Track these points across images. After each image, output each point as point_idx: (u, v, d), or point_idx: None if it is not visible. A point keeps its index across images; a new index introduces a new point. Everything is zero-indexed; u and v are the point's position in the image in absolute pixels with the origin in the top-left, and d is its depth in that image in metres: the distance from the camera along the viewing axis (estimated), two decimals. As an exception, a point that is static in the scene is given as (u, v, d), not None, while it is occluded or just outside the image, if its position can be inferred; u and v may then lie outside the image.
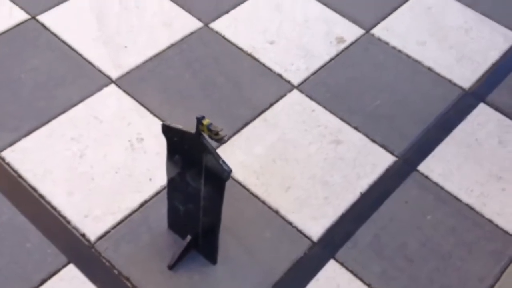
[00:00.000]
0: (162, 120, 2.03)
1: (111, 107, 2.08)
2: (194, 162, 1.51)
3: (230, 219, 1.75)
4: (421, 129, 2.12)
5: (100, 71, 2.19)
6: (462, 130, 2.13)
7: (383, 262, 1.78)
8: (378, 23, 2.47)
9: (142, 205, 1.84)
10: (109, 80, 2.16)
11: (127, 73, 2.19)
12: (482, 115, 2.18)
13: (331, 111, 2.14)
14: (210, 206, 1.58)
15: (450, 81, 2.28)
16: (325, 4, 2.51)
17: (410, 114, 2.16)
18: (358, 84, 2.24)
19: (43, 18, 2.34)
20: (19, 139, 1.96)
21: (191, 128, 1.44)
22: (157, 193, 1.87)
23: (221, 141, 1.40)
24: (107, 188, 1.87)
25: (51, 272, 1.68)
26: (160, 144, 1.92)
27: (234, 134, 2.04)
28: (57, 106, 2.06)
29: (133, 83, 2.16)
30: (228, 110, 2.11)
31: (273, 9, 2.48)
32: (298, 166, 1.98)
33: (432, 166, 2.01)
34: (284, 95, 2.18)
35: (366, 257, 1.78)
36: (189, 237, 1.71)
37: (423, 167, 2.01)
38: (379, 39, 2.41)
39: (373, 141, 2.07)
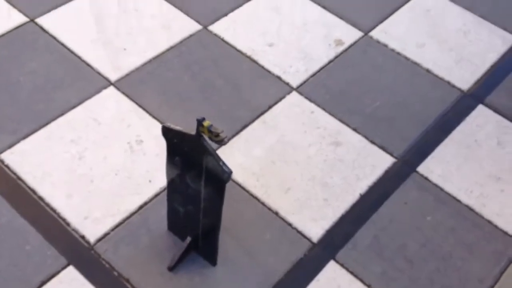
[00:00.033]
0: (161, 122, 2.03)
1: (110, 109, 2.08)
2: (194, 164, 1.51)
3: (230, 220, 1.75)
4: (420, 130, 2.12)
5: (99, 73, 2.19)
6: (461, 132, 2.13)
7: (383, 263, 1.78)
8: (377, 25, 2.48)
9: (141, 207, 1.84)
10: (108, 82, 2.16)
11: (126, 75, 2.19)
12: (481, 117, 2.19)
13: (330, 113, 2.14)
14: (210, 207, 1.58)
15: (449, 83, 2.29)
16: (324, 7, 2.52)
17: (409, 115, 2.16)
18: (357, 86, 2.25)
19: (42, 20, 2.34)
20: (18, 142, 1.96)
21: (191, 130, 1.44)
22: (157, 195, 1.86)
23: (221, 142, 1.39)
24: (106, 190, 1.87)
25: (51, 274, 1.68)
26: (159, 146, 1.92)
27: (233, 136, 2.04)
28: (56, 109, 2.06)
29: (132, 85, 2.16)
30: (227, 112, 2.11)
31: (272, 12, 2.48)
32: (298, 168, 1.98)
33: (432, 167, 2.02)
34: (283, 97, 2.18)
35: (366, 258, 1.78)
36: (189, 239, 1.70)
37: (422, 168, 2.01)
38: (378, 42, 2.41)
39: (373, 142, 2.07)
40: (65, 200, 1.83)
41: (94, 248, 1.74)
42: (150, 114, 2.07)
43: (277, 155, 2.00)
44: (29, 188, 1.85)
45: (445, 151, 2.07)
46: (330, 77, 2.27)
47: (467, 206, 1.93)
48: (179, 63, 2.25)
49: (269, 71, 2.26)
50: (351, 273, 1.75)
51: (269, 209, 1.87)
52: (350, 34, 2.43)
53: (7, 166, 1.90)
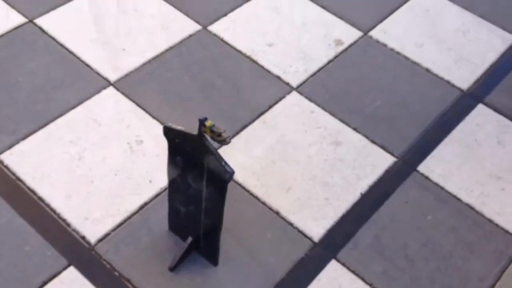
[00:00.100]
0: (161, 123, 2.03)
1: (110, 110, 2.08)
2: (196, 164, 1.51)
3: (231, 220, 1.75)
4: (420, 130, 2.12)
5: (98, 73, 2.18)
6: (461, 131, 2.13)
7: (384, 262, 1.77)
8: (376, 25, 2.48)
9: (142, 207, 1.84)
10: (108, 83, 2.15)
11: (126, 75, 2.18)
12: (481, 116, 2.19)
13: (330, 113, 2.14)
14: (212, 207, 1.57)
15: (448, 82, 2.29)
16: (323, 7, 2.52)
17: (409, 115, 2.16)
18: (357, 86, 2.24)
19: (41, 21, 2.33)
20: (17, 142, 1.95)
21: (191, 130, 1.43)
22: (157, 195, 1.86)
23: (224, 142, 1.39)
24: (106, 191, 1.86)
25: (52, 275, 1.67)
26: (159, 146, 1.92)
27: (233, 136, 2.04)
28: (55, 109, 2.06)
29: (132, 85, 2.16)
30: (227, 112, 2.11)
31: (271, 12, 2.48)
32: (298, 167, 1.97)
33: (432, 167, 2.02)
34: (283, 97, 2.18)
35: (367, 257, 1.78)
36: (190, 239, 1.70)
37: (423, 167, 2.01)
38: (377, 41, 2.41)
39: (373, 142, 2.07)
40: (65, 200, 1.83)
41: (95, 249, 1.74)
42: (150, 114, 2.07)
43: (277, 154, 2.00)
44: (29, 188, 1.85)
45: (445, 151, 2.07)
46: (330, 77, 2.27)
47: (467, 205, 1.93)
48: (179, 63, 2.25)
49: (269, 71, 2.26)
50: (352, 272, 1.75)
51: (270, 208, 1.86)
52: (349, 34, 2.43)
53: (6, 166, 1.89)
